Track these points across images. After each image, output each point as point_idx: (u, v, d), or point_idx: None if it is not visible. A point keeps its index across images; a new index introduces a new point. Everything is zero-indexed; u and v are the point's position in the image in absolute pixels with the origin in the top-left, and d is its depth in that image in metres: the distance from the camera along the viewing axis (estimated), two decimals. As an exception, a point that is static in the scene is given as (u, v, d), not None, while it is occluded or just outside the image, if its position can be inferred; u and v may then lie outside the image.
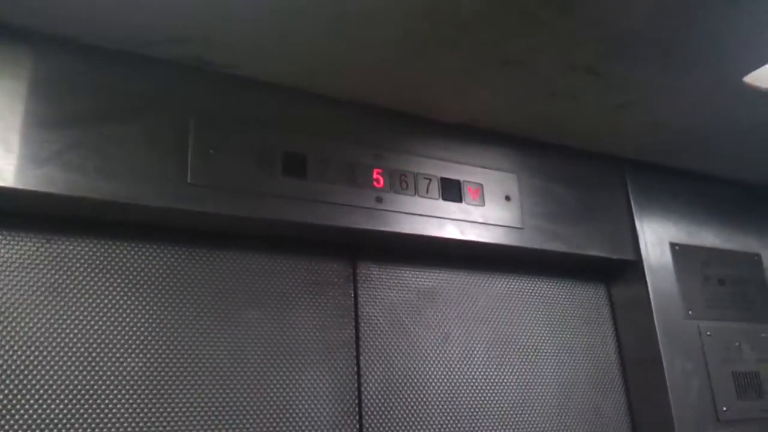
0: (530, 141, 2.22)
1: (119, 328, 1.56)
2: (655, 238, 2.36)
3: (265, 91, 1.78)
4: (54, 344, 1.49)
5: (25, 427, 1.41)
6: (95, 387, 1.50)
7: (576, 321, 2.29)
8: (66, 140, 1.48)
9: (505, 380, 2.07)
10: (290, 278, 1.81)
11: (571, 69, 1.80)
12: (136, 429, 1.52)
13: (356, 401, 1.80)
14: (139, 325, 1.59)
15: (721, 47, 1.74)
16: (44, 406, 1.44)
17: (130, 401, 1.53)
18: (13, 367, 1.44)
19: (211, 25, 1.54)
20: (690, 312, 2.32)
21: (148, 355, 1.58)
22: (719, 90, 1.95)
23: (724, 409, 2.24)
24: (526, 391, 2.10)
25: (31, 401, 1.43)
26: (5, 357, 1.44)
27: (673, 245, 2.38)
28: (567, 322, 2.27)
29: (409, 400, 1.88)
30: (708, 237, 2.50)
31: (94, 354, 1.52)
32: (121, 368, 1.54)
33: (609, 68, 1.81)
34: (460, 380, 1.98)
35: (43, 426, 1.43)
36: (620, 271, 2.35)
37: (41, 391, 1.45)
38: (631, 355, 2.31)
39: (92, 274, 1.57)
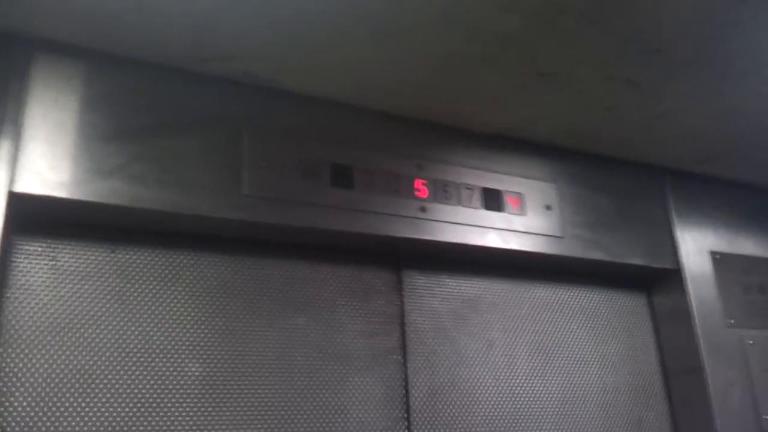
0: (569, 151, 2.25)
1: (179, 334, 1.62)
2: (695, 247, 2.36)
3: (314, 105, 1.84)
4: (119, 349, 1.55)
5: (93, 429, 1.47)
6: (157, 390, 1.56)
7: (617, 330, 2.30)
8: (127, 153, 1.55)
9: (548, 388, 2.09)
10: (338, 286, 1.86)
11: (608, 80, 1.83)
12: (195, 430, 1.57)
13: (404, 407, 1.83)
14: (198, 331, 1.65)
15: (758, 57, 1.76)
16: (110, 409, 1.50)
17: (190, 404, 1.58)
18: (82, 371, 1.50)
19: (261, 42, 1.61)
20: (731, 321, 2.32)
21: (207, 360, 1.63)
22: (756, 99, 1.97)
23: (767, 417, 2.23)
24: (569, 399, 2.11)
25: (99, 404, 1.49)
26: (74, 362, 1.50)
27: (713, 254, 2.39)
28: (609, 330, 2.28)
29: (455, 405, 1.91)
30: (748, 245, 2.50)
31: (156, 358, 1.58)
32: (181, 372, 1.60)
33: (646, 79, 1.84)
34: (504, 387, 2.01)
35: (110, 429, 1.49)
36: (661, 280, 2.36)
37: (108, 395, 1.51)
38: (673, 364, 2.31)
39: (154, 282, 1.63)
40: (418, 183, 1.91)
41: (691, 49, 1.70)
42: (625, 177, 2.35)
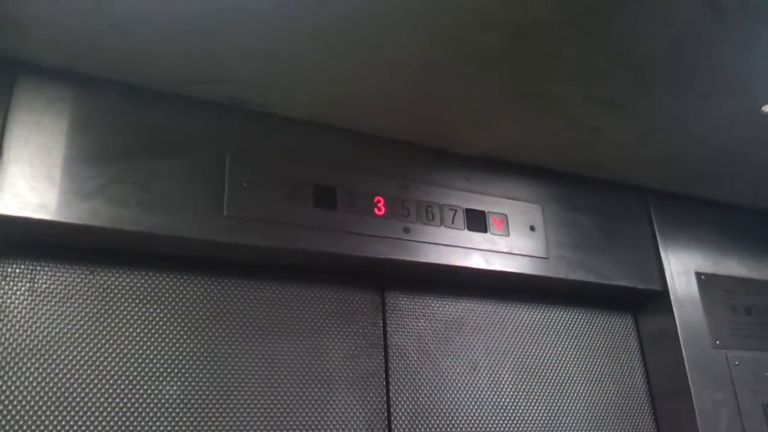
0: (554, 172, 2.26)
1: (158, 357, 1.61)
2: (681, 268, 2.36)
3: (296, 127, 1.85)
4: (97, 372, 1.54)
5: (68, 452, 1.46)
6: (135, 413, 1.54)
7: (603, 351, 2.29)
8: (109, 175, 1.55)
9: (534, 410, 2.07)
10: (321, 308, 1.85)
11: (591, 100, 1.84)
12: (173, 456, 1.56)
13: (386, 430, 1.82)
14: (178, 353, 1.63)
15: (739, 78, 1.77)
16: (86, 433, 1.49)
17: (168, 427, 1.57)
18: (58, 394, 1.49)
19: (243, 66, 1.62)
20: (718, 342, 2.31)
21: (186, 383, 1.62)
22: (739, 120, 1.98)
23: (756, 440, 2.22)
24: (554, 421, 2.09)
25: (75, 427, 1.48)
26: (51, 384, 1.49)
27: (698, 275, 2.39)
28: (594, 352, 2.27)
29: (438, 429, 1.89)
30: (733, 266, 2.50)
31: (134, 381, 1.57)
32: (160, 395, 1.58)
33: (628, 99, 1.84)
34: (488, 410, 1.99)
35: (84, 452, 1.47)
36: (647, 301, 2.35)
37: (84, 417, 1.49)
38: (660, 385, 2.30)
39: (133, 304, 1.62)
40: (402, 204, 1.91)
41: (672, 68, 1.71)
42: (610, 198, 2.35)
